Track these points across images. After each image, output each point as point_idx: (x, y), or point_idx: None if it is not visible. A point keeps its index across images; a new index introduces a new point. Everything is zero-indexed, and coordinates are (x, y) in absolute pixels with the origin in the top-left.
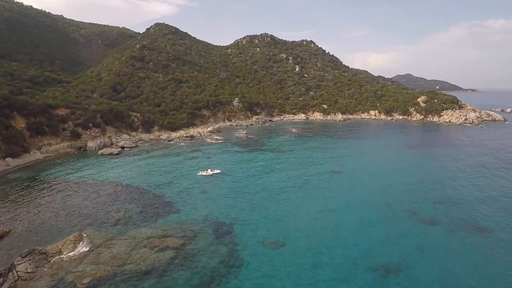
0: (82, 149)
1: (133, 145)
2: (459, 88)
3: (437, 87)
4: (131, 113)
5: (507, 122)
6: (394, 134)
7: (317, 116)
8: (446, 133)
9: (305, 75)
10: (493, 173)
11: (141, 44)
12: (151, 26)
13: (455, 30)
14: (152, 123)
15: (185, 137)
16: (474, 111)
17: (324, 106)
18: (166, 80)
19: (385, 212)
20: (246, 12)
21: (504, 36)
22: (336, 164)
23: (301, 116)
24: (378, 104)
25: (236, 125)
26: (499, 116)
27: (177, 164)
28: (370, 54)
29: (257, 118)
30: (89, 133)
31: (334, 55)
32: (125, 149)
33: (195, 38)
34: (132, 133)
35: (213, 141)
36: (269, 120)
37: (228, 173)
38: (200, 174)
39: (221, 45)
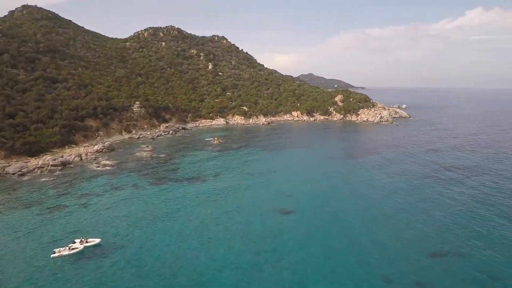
0: None
1: None
2: (352, 86)
3: (335, 86)
4: None
5: (411, 119)
6: (325, 139)
7: (238, 120)
8: (372, 134)
9: (220, 73)
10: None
11: None
12: (17, 9)
13: (345, 36)
14: None
15: (53, 165)
16: (384, 109)
17: (244, 108)
18: (30, 78)
19: None
20: (152, 7)
21: (380, 42)
22: (280, 196)
23: (220, 121)
24: (298, 104)
25: (138, 137)
26: (405, 113)
27: (18, 232)
28: (276, 55)
29: (167, 127)
30: None
31: (248, 53)
32: None
33: (82, 27)
34: None
35: (100, 169)
36: (182, 128)
37: (116, 243)
38: (58, 254)
39: (118, 37)
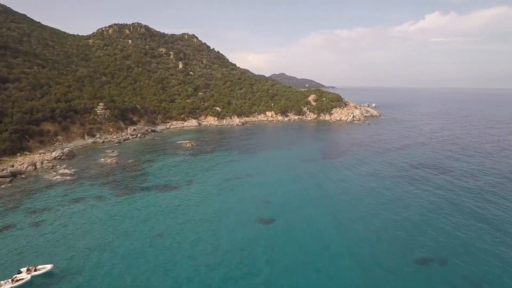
0: None
1: None
2: (322, 86)
3: (307, 85)
4: None
5: (382, 117)
6: (300, 140)
7: (211, 121)
8: (346, 134)
9: (191, 73)
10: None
11: None
12: None
13: (315, 36)
14: None
15: (0, 176)
16: (356, 108)
17: (218, 108)
18: None
19: None
20: (116, 3)
21: (349, 43)
22: (257, 204)
23: (193, 122)
24: (272, 104)
25: (103, 142)
26: (375, 112)
27: None
28: (249, 54)
29: (134, 129)
30: None
31: (220, 52)
32: None
33: (38, 22)
34: None
35: (58, 179)
36: (152, 131)
37: (70, 270)
38: None
39: (80, 34)
